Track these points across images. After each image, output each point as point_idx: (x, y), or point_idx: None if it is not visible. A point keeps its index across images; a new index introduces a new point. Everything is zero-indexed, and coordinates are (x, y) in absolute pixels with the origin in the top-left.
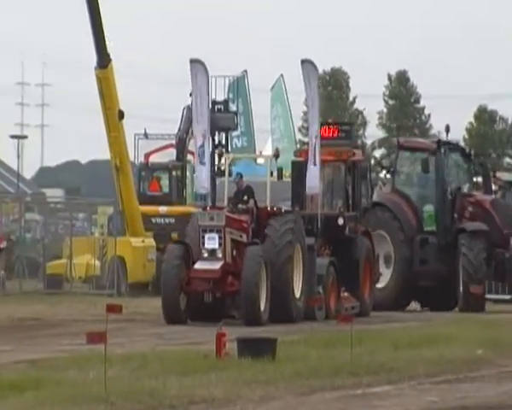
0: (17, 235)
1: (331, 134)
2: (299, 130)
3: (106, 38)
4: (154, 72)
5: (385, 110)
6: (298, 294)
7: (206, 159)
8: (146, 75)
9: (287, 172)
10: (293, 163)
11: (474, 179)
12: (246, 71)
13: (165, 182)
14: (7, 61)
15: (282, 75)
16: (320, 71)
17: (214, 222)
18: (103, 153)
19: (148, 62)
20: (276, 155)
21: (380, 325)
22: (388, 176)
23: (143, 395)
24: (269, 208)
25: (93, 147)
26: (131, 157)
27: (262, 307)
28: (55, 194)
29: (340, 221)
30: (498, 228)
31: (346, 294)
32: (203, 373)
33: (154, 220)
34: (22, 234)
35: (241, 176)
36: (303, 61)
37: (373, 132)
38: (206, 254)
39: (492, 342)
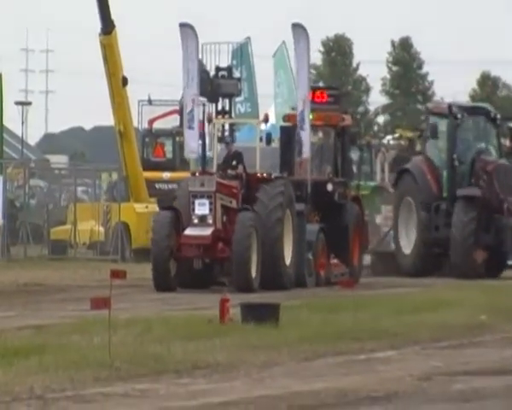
0: (21, 201)
1: (319, 99)
2: None
3: (110, 4)
4: (158, 36)
5: (388, 76)
6: (288, 260)
7: (195, 124)
8: (149, 40)
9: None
10: (282, 128)
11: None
12: (249, 37)
13: (168, 148)
14: (11, 28)
15: (284, 42)
16: (323, 37)
17: (205, 188)
18: (107, 119)
19: (151, 27)
20: (265, 120)
21: (382, 290)
22: (392, 142)
23: (148, 360)
24: (259, 174)
25: (97, 113)
26: (135, 123)
27: (253, 274)
28: (59, 160)
29: (330, 187)
30: (496, 193)
31: (335, 260)
32: (207, 338)
33: (157, 186)
34: (26, 200)
35: (231, 141)
36: (294, 25)
37: (376, 98)
38: (196, 220)
39: (496, 307)
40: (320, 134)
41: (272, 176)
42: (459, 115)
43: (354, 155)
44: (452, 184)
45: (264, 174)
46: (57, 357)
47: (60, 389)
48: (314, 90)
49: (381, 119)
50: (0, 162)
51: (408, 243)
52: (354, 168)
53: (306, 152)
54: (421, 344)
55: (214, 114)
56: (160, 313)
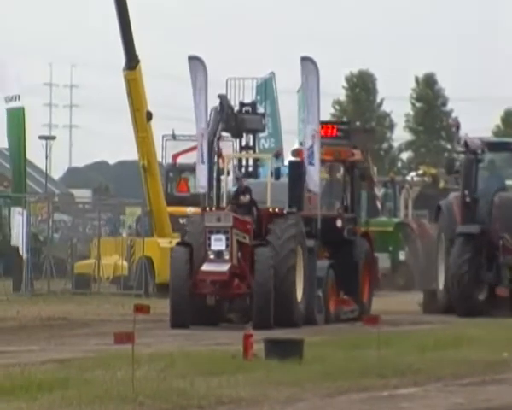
0: (45, 235)
1: (329, 133)
2: None
3: (134, 40)
4: (182, 70)
5: (412, 113)
6: (299, 297)
7: (205, 158)
8: (174, 76)
9: None
10: (291, 163)
11: None
12: (273, 73)
13: (192, 183)
14: (35, 62)
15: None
16: (347, 73)
17: (221, 223)
18: (131, 153)
19: (175, 61)
20: (277, 155)
21: (405, 327)
22: (416, 178)
23: (171, 395)
24: (270, 209)
25: (121, 147)
26: (159, 158)
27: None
28: (83, 194)
29: (339, 223)
30: (495, 229)
31: (345, 297)
32: (230, 374)
33: (181, 221)
34: (50, 234)
35: (242, 176)
36: (302, 59)
37: (400, 135)
38: (212, 256)
39: None
40: (329, 169)
41: (284, 211)
42: (479, 151)
43: (378, 191)
44: (465, 221)
45: (277, 209)
46: (81, 391)
47: None
48: (323, 124)
49: (404, 155)
50: (24, 196)
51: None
52: (379, 204)
53: (316, 187)
54: (444, 381)
55: (237, 149)
56: (183, 348)
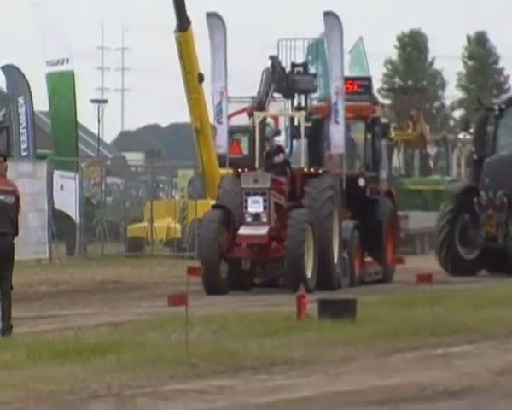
0: (98, 199)
1: (350, 89)
2: (379, 92)
3: (185, 2)
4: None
5: (464, 71)
6: (336, 259)
7: (224, 118)
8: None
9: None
10: (312, 121)
11: None
12: (324, 33)
13: (245, 144)
14: (87, 26)
15: (361, 38)
16: (399, 32)
17: (259, 184)
18: (183, 116)
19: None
20: (310, 114)
21: (458, 285)
22: (468, 136)
23: (225, 357)
24: (305, 169)
25: (173, 110)
26: (211, 120)
27: (309, 274)
28: (135, 157)
29: (361, 182)
30: (481, 188)
31: (369, 258)
32: (283, 335)
33: None
34: (103, 198)
35: (272, 136)
36: (325, 14)
37: (452, 93)
38: (249, 219)
39: None
40: (350, 126)
41: (320, 171)
42: (495, 108)
43: (431, 150)
44: (473, 179)
45: (312, 169)
46: (134, 354)
47: (137, 386)
48: (344, 80)
49: (456, 113)
50: (76, 160)
51: None
52: (431, 163)
53: (340, 146)
54: (498, 339)
55: (291, 109)
56: (235, 309)
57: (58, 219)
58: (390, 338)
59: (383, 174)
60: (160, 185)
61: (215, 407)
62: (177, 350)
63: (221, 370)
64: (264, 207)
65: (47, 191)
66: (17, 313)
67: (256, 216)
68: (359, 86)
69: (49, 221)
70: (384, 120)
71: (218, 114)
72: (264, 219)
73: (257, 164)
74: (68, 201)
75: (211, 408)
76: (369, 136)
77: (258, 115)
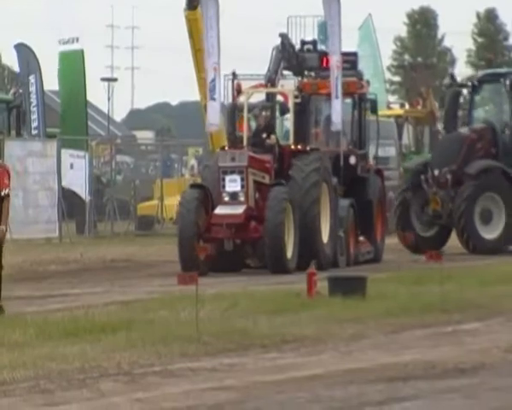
0: (108, 177)
1: None
2: (388, 69)
3: None
4: (247, 10)
5: (473, 48)
6: (325, 239)
7: (217, 94)
8: (235, 16)
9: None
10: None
11: None
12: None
13: (254, 122)
14: (97, 4)
15: (370, 15)
16: (408, 9)
17: (236, 162)
18: (193, 94)
19: (236, 3)
20: (300, 90)
21: (467, 262)
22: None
23: (235, 335)
24: (292, 146)
25: (183, 88)
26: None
27: (289, 255)
28: (145, 136)
29: (352, 160)
30: (431, 165)
31: (361, 238)
32: (294, 312)
33: None
34: (113, 176)
35: (262, 110)
36: None
37: (462, 70)
38: (227, 198)
39: None
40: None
41: (307, 148)
42: (467, 83)
43: (440, 126)
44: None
45: (299, 146)
46: (144, 332)
47: (147, 364)
48: (326, 55)
49: (465, 90)
50: (86, 139)
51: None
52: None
53: (339, 123)
54: (506, 316)
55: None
56: (245, 287)
57: (68, 198)
58: (400, 315)
59: (373, 152)
60: (168, 164)
61: (225, 384)
62: (188, 328)
63: (231, 348)
64: (242, 186)
65: (57, 170)
66: (27, 292)
67: (233, 195)
68: (345, 61)
69: (59, 200)
70: (371, 96)
71: (212, 90)
72: (242, 199)
73: (244, 142)
74: (78, 179)
75: (221, 386)
76: (356, 112)
77: (248, 92)
